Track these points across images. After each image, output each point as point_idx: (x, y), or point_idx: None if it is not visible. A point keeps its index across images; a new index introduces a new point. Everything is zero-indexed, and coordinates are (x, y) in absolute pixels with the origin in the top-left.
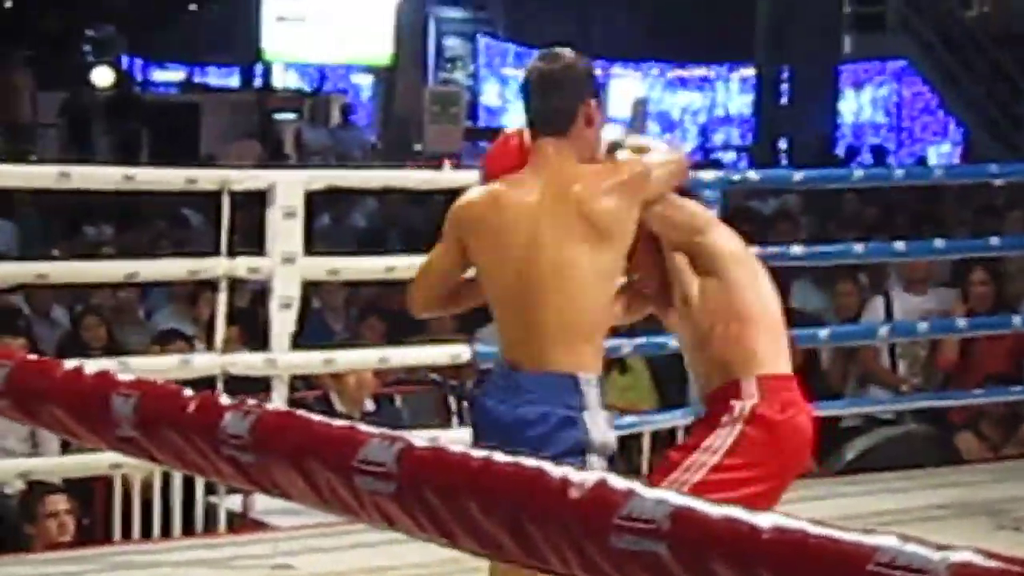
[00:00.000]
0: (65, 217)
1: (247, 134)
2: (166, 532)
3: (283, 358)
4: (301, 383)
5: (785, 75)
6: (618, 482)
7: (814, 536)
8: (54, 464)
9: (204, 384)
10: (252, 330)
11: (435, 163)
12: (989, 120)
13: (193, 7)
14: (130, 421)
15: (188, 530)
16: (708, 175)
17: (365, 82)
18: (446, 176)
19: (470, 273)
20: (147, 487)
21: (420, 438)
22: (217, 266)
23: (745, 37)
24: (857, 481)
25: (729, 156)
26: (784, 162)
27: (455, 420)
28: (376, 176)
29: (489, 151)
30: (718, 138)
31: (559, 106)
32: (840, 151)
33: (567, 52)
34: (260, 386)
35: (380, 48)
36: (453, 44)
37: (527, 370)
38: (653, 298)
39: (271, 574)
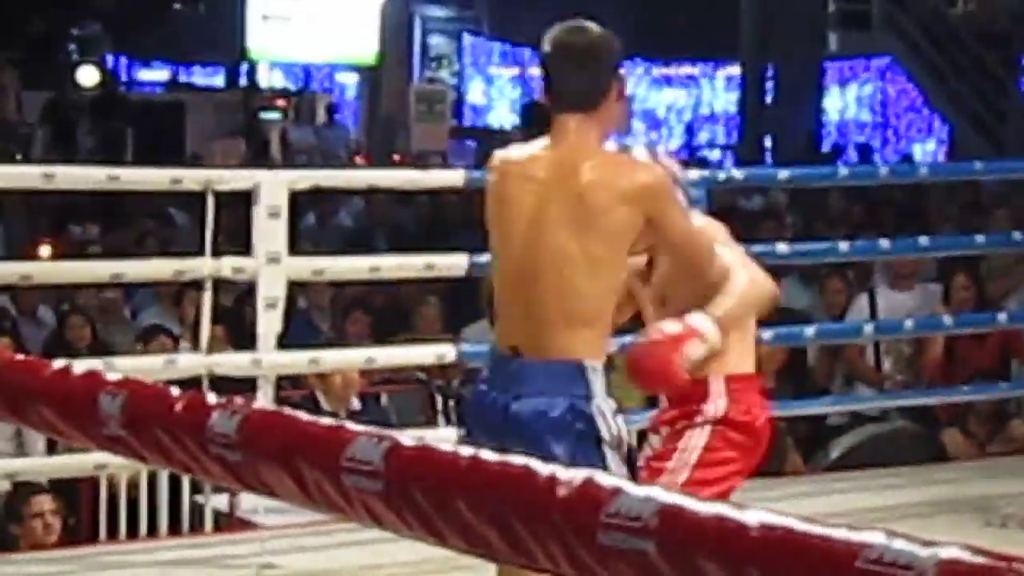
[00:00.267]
0: (51, 217)
1: (232, 133)
2: (152, 532)
3: (269, 358)
4: (287, 383)
5: (770, 73)
6: (605, 479)
7: (802, 533)
8: (40, 464)
9: (190, 385)
10: (238, 330)
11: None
12: (974, 117)
13: (178, 6)
14: (117, 420)
15: (174, 530)
16: (693, 173)
17: (350, 81)
18: (431, 176)
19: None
20: (133, 487)
21: (408, 436)
22: (202, 266)
23: (730, 35)
24: (844, 478)
25: (714, 154)
26: (769, 160)
27: (441, 419)
28: (361, 176)
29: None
30: (703, 136)
31: (590, 81)
32: (825, 149)
33: (591, 24)
34: (246, 386)
35: (365, 47)
36: (438, 43)
37: (528, 357)
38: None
39: (258, 573)
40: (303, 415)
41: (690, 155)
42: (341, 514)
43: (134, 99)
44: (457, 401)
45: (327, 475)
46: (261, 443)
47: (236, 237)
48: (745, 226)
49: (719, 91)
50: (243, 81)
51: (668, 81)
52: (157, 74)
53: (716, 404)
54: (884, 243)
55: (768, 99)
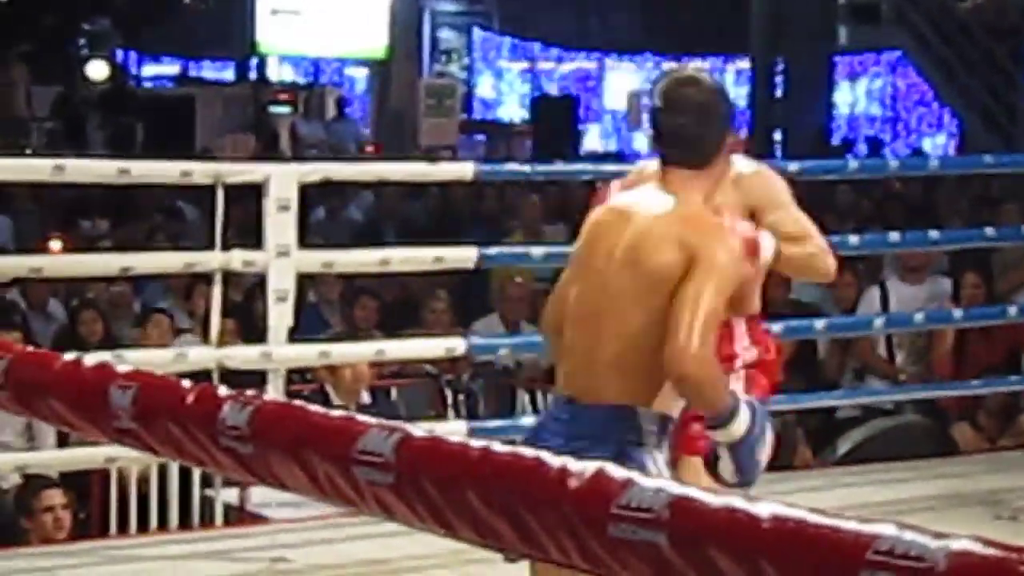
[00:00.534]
0: (61, 212)
1: (242, 127)
2: (163, 526)
3: (279, 351)
4: (297, 377)
5: (780, 67)
6: (617, 471)
7: (813, 525)
8: (50, 457)
9: (200, 378)
10: (248, 324)
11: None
12: (984, 111)
13: (187, 1)
14: (128, 413)
15: (185, 524)
16: None
17: (360, 75)
18: (440, 169)
19: None
20: (143, 481)
21: (419, 429)
22: (212, 259)
23: (740, 29)
24: (854, 472)
25: None
26: (779, 154)
27: (451, 413)
28: (371, 169)
29: None
30: None
31: (705, 140)
32: (836, 143)
33: (702, 74)
34: (257, 380)
35: (375, 41)
36: (448, 37)
37: (582, 401)
38: None
39: (268, 567)
40: (314, 407)
41: None
42: (352, 506)
43: (143, 94)
44: (467, 395)
45: (338, 467)
46: (272, 435)
47: (246, 232)
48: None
49: (729, 85)
50: (253, 75)
51: None
52: (167, 68)
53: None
54: (894, 236)
55: (778, 93)
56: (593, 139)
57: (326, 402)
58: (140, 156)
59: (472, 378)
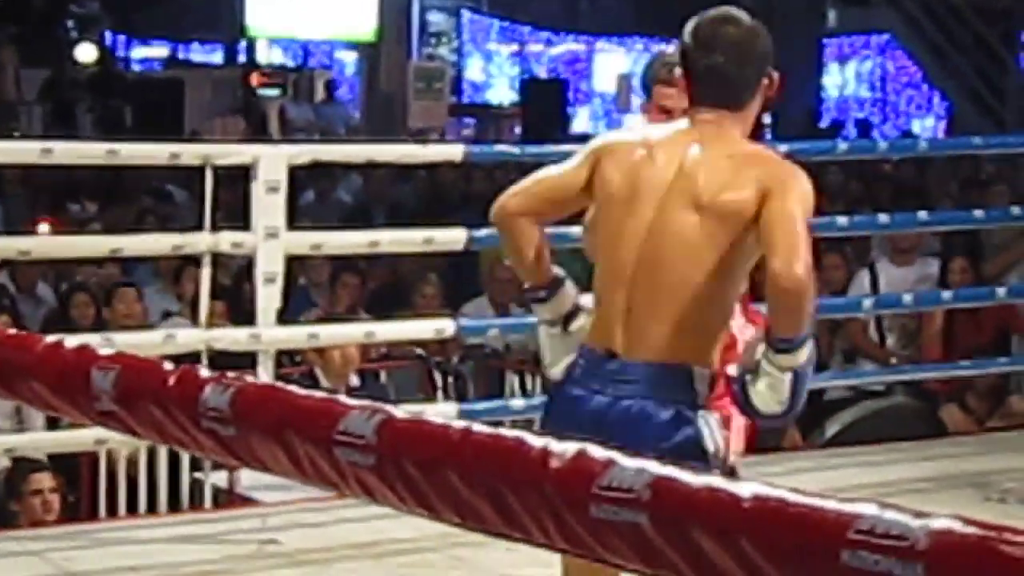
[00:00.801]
0: (50, 195)
1: (231, 110)
2: (152, 508)
3: (268, 333)
4: (286, 359)
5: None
6: (598, 452)
7: (794, 505)
8: (39, 440)
9: (190, 360)
10: (237, 307)
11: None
12: (974, 94)
13: None
14: (110, 395)
15: (174, 506)
16: None
17: (349, 58)
18: (429, 151)
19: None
20: (132, 463)
21: (401, 410)
22: (200, 241)
23: None
24: (842, 454)
25: None
26: (768, 136)
27: (440, 395)
28: (360, 151)
29: None
30: None
31: (743, 78)
32: (824, 125)
33: (742, 13)
34: (246, 362)
35: (364, 24)
36: (437, 19)
37: (630, 357)
38: None
39: (258, 550)
40: (296, 389)
41: None
42: (333, 488)
43: (132, 76)
44: (456, 377)
45: (319, 449)
46: (254, 417)
47: (235, 215)
48: None
49: None
50: (242, 58)
51: None
52: (156, 51)
53: None
54: (883, 218)
55: None
56: (582, 122)
57: (315, 384)
58: (129, 139)
59: (461, 360)
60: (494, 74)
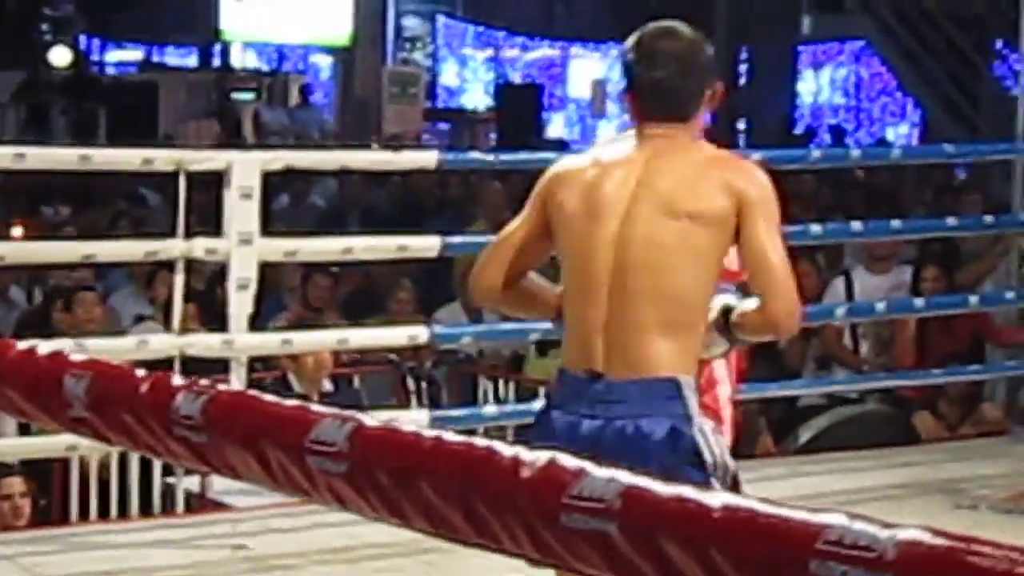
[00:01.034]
0: (23, 198)
1: (205, 114)
2: (123, 513)
3: (241, 339)
4: (260, 365)
5: (744, 56)
6: (569, 461)
7: (763, 515)
8: (10, 445)
9: (163, 367)
10: (210, 312)
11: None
12: (948, 101)
13: None
14: (82, 401)
15: (146, 511)
16: None
17: (324, 62)
18: (403, 157)
19: (537, 279)
20: (104, 468)
21: (373, 418)
22: (174, 247)
23: (704, 18)
24: (815, 461)
25: None
26: (743, 143)
27: (413, 401)
28: (333, 158)
29: None
30: None
31: (687, 90)
32: (799, 132)
33: (683, 26)
34: (219, 368)
35: (339, 28)
36: (412, 24)
37: (615, 376)
38: None
39: (230, 554)
40: (268, 397)
41: None
42: (305, 496)
43: (107, 80)
44: (429, 383)
45: (291, 457)
46: (226, 425)
47: (209, 218)
48: None
49: None
50: (216, 62)
51: None
52: (130, 54)
53: None
54: (856, 225)
55: (742, 82)
56: (557, 127)
57: (288, 390)
58: (103, 143)
59: (435, 366)
60: (469, 79)
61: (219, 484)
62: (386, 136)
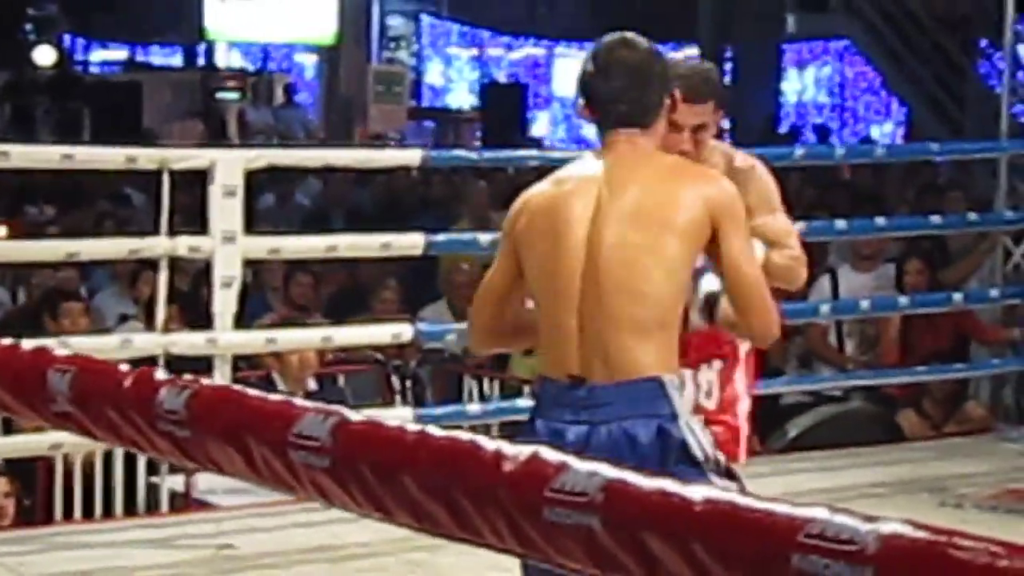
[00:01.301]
0: (7, 198)
1: (190, 113)
2: (108, 513)
3: (225, 338)
4: (244, 364)
5: (729, 55)
6: (551, 455)
7: (745, 508)
8: None
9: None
10: (194, 312)
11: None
12: (932, 100)
13: None
14: (66, 396)
15: (130, 510)
16: None
17: (309, 61)
18: (387, 155)
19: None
20: (88, 467)
21: (356, 413)
22: (157, 245)
23: (689, 17)
24: (800, 459)
25: None
26: (727, 141)
27: (398, 399)
28: (317, 155)
29: None
30: None
31: (646, 99)
32: (783, 131)
33: (640, 38)
34: (203, 367)
35: (324, 27)
36: (396, 23)
37: (596, 381)
38: None
39: (215, 554)
40: (252, 391)
41: None
42: (289, 491)
43: (91, 79)
44: (414, 381)
45: (275, 451)
46: (209, 419)
47: (194, 218)
48: None
49: None
50: (201, 61)
51: None
52: (114, 54)
53: None
54: (841, 224)
55: (726, 81)
56: (542, 126)
57: (272, 389)
58: (87, 142)
59: (419, 365)
60: (454, 78)
61: (203, 483)
62: (370, 135)
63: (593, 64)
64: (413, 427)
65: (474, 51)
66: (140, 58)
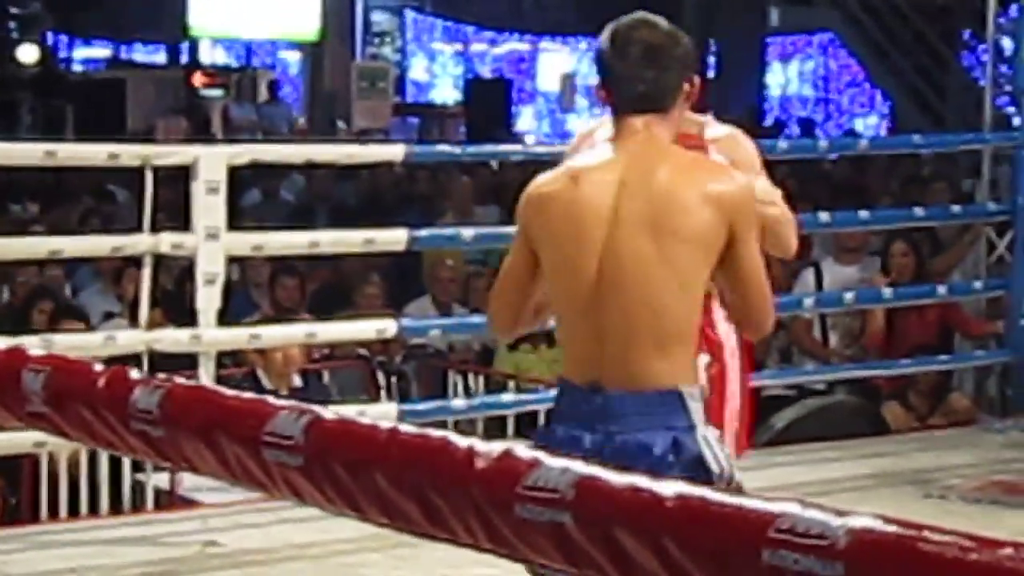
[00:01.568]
0: None
1: (174, 110)
2: (93, 510)
3: (209, 334)
4: (228, 360)
5: (712, 48)
6: (524, 452)
7: (716, 503)
8: None
9: (130, 363)
10: (178, 309)
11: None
12: (916, 92)
13: None
14: (40, 396)
15: (116, 508)
16: None
17: (292, 58)
18: (370, 151)
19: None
20: (74, 465)
21: (333, 411)
22: (140, 242)
23: (673, 10)
24: (785, 452)
25: None
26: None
27: (383, 395)
28: (300, 151)
29: None
30: None
31: (663, 81)
32: (767, 124)
33: (660, 18)
34: (187, 364)
35: (307, 23)
36: (380, 19)
37: (614, 389)
38: None
39: (200, 551)
40: (225, 390)
41: None
42: (262, 489)
43: (75, 77)
44: (399, 377)
45: (248, 449)
46: (182, 418)
47: (177, 215)
48: None
49: None
50: (184, 58)
51: None
52: (98, 51)
53: None
54: (824, 216)
55: (710, 74)
56: (526, 121)
57: (257, 386)
58: (71, 139)
59: (404, 361)
60: (438, 74)
61: (189, 481)
62: (354, 131)
63: (610, 42)
64: (385, 424)
65: (458, 46)
66: (124, 55)
